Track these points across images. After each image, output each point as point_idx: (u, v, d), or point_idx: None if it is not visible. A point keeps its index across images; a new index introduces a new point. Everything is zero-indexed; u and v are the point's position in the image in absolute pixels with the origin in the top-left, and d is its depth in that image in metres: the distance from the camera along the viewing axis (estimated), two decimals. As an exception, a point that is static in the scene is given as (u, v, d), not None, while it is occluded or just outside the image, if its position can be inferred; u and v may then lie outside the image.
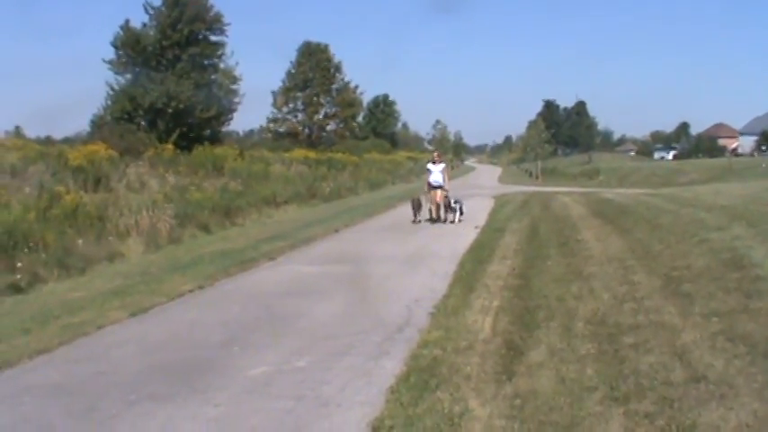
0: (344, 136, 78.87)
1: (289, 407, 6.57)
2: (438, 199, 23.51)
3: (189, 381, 7.45)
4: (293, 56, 79.64)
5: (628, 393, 6.33)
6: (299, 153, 51.83)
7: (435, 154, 26.02)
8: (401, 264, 15.22)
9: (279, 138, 74.63)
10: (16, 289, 13.74)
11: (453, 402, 6.39)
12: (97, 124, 42.94)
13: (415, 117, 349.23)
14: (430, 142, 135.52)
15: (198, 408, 6.61)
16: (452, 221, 23.06)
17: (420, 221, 23.56)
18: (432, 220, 23.38)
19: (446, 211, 23.47)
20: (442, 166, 24.00)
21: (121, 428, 6.20)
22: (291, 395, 6.87)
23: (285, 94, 78.35)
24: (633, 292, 10.42)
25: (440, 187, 23.54)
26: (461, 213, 23.50)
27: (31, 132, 60.03)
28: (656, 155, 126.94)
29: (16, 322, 10.49)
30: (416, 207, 23.94)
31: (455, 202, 23.60)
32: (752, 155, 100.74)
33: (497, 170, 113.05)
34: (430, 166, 24.23)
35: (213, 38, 46.21)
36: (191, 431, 6.09)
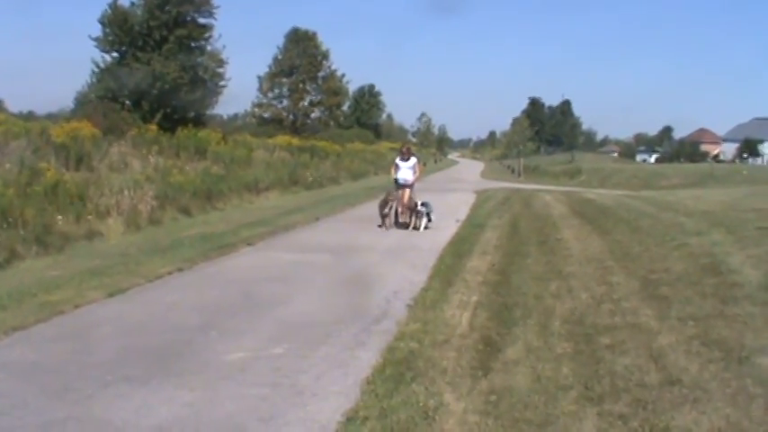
0: (328, 124, 78.95)
1: (264, 394, 6.57)
2: (406, 200, 20.06)
3: (165, 364, 7.44)
4: (281, 42, 79.57)
5: (602, 394, 6.37)
6: (282, 139, 51.73)
7: (405, 148, 22.06)
8: (381, 255, 15.24)
9: (263, 123, 74.50)
10: (-7, 264, 13.69)
11: (428, 396, 6.41)
12: (81, 101, 42.67)
13: (401, 109, 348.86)
14: (414, 134, 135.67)
15: (173, 391, 6.60)
16: (417, 227, 19.35)
17: (389, 228, 19.54)
18: (403, 225, 19.73)
19: (412, 214, 19.73)
20: (413, 161, 20.73)
21: (96, 409, 6.18)
22: (267, 382, 6.87)
23: (271, 79, 78.19)
24: (611, 293, 10.49)
25: (408, 186, 20.33)
26: (429, 220, 19.65)
27: (14, 107, 59.65)
28: (639, 157, 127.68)
29: (-8, 298, 10.43)
30: (386, 205, 19.99)
31: (422, 205, 19.60)
32: (733, 161, 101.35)
33: (480, 165, 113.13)
34: (398, 161, 20.81)
35: (201, 20, 45.92)
36: (166, 415, 6.07)
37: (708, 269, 11.33)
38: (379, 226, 19.74)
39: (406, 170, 20.51)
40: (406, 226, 19.68)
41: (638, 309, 9.41)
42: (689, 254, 12.92)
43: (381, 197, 20.69)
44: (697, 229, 15.89)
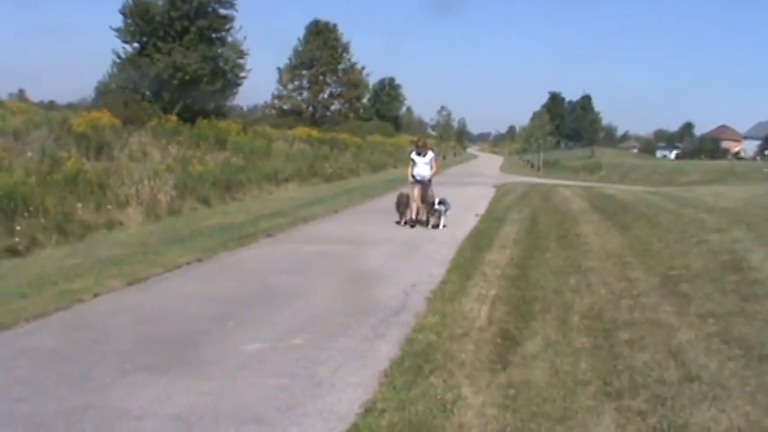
0: (348, 116, 78.79)
1: (282, 384, 6.58)
2: (422, 196, 18.70)
3: (184, 353, 7.47)
4: (301, 33, 79.56)
5: (621, 389, 6.35)
6: (302, 131, 51.69)
7: (421, 141, 19.94)
8: (399, 247, 15.22)
9: (283, 115, 74.51)
10: (14, 252, 13.79)
11: (446, 389, 6.40)
12: (102, 91, 42.86)
13: (421, 102, 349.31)
14: (434, 128, 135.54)
15: (192, 381, 6.62)
16: (435, 225, 18.35)
17: (409, 223, 18.65)
18: (412, 223, 18.60)
19: (428, 213, 18.70)
20: (430, 156, 19.04)
21: (115, 397, 6.21)
22: (285, 373, 6.88)
23: (291, 71, 78.12)
24: (630, 288, 10.44)
25: (426, 182, 18.81)
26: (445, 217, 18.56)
27: (35, 96, 60.00)
28: (659, 153, 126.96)
29: (13, 286, 10.51)
30: (404, 205, 18.92)
31: (440, 203, 18.43)
32: (754, 159, 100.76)
33: (499, 159, 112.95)
34: (414, 156, 19.12)
35: (222, 11, 45.99)
36: (184, 403, 6.08)
37: (728, 266, 11.27)
38: (397, 222, 18.85)
39: (422, 165, 18.88)
40: (421, 223, 18.63)
41: (657, 305, 9.36)
42: (709, 250, 12.86)
43: (399, 191, 19.85)
44: (717, 226, 15.80)
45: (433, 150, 19.74)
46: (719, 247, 13.05)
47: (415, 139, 20.02)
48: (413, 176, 18.92)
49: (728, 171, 59.11)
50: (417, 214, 18.76)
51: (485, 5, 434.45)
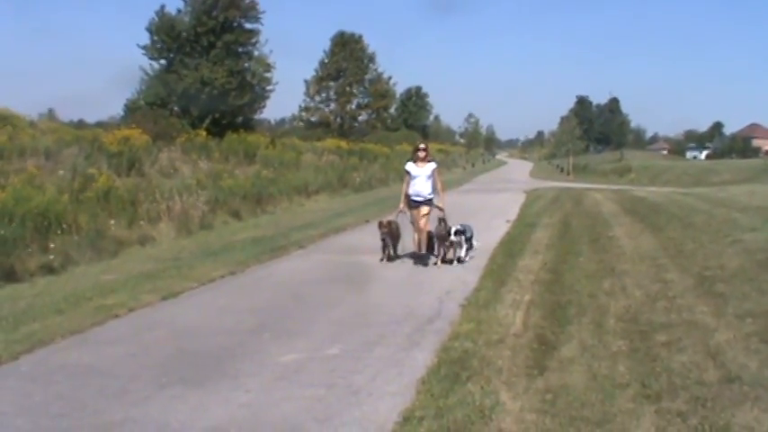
0: (376, 127, 78.82)
1: (319, 395, 6.57)
2: (422, 223, 14.04)
3: (220, 366, 7.49)
4: (326, 45, 79.78)
5: (660, 391, 6.28)
6: (330, 143, 51.83)
7: (420, 148, 14.41)
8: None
9: (310, 127, 74.70)
10: (49, 270, 13.89)
11: (484, 395, 6.36)
12: (131, 109, 43.23)
13: (448, 110, 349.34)
14: (462, 135, 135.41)
15: (229, 393, 6.63)
16: (453, 260, 13.92)
17: (393, 258, 14.54)
18: (416, 257, 14.35)
19: (442, 245, 13.97)
20: (431, 167, 14.07)
21: (153, 410, 6.23)
22: (322, 383, 6.87)
23: (318, 83, 78.30)
24: (666, 290, 10.37)
25: (426, 202, 14.04)
26: (471, 247, 14.34)
27: (64, 116, 60.60)
28: (689, 154, 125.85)
29: (49, 303, 10.59)
30: (390, 236, 14.42)
31: (457, 233, 13.76)
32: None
33: (528, 165, 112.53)
34: (410, 167, 14.15)
35: (248, 25, 46.28)
36: (222, 416, 6.09)
37: (764, 265, 11.16)
38: (381, 259, 14.50)
39: (421, 180, 14.00)
40: (424, 258, 14.18)
41: (693, 306, 9.28)
42: (744, 250, 12.75)
43: (379, 219, 15.58)
44: (751, 225, 15.68)
45: (435, 161, 14.67)
46: (755, 245, 12.94)
47: (418, 145, 14.70)
48: (407, 196, 14.25)
49: (761, 169, 58.49)
50: (420, 248, 14.27)
51: (507, 11, 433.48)
